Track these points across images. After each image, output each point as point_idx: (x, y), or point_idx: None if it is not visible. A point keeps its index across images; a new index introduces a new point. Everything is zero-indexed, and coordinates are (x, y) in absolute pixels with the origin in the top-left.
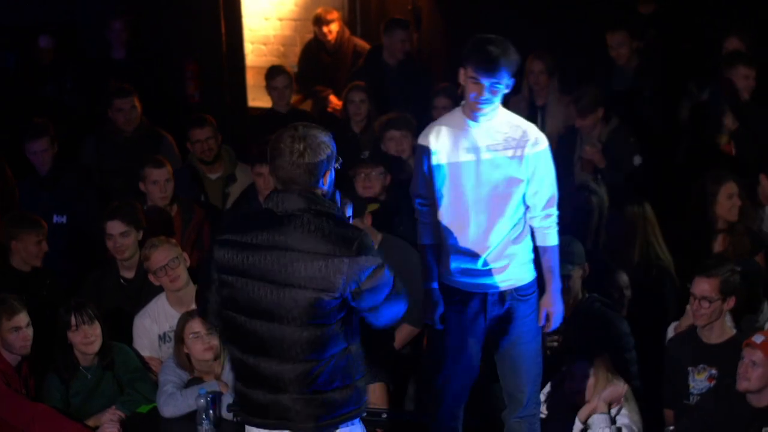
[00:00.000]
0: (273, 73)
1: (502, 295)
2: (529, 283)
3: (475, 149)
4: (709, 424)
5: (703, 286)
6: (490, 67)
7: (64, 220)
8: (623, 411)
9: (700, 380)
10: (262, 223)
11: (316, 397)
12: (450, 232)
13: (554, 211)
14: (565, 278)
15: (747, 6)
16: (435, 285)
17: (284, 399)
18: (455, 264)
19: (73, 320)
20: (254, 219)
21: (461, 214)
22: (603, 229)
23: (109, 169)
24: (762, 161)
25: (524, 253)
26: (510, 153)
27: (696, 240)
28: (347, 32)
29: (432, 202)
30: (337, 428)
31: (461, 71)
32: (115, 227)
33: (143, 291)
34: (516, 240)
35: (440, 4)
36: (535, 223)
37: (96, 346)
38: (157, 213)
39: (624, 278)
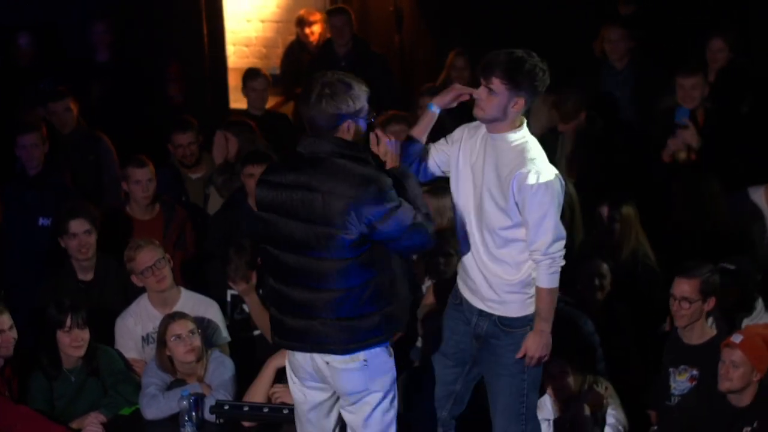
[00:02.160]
0: (252, 75)
1: (486, 316)
2: (515, 317)
3: (480, 164)
4: (691, 424)
5: (683, 287)
6: (482, 66)
7: (48, 222)
8: (609, 409)
9: (681, 381)
10: (292, 164)
11: (342, 323)
12: (457, 236)
13: (545, 253)
14: None
15: (730, 6)
16: None
17: (315, 324)
18: (460, 269)
19: (68, 321)
20: (287, 161)
21: (463, 222)
22: (577, 227)
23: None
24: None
25: (516, 285)
26: (504, 182)
27: (674, 240)
28: (329, 34)
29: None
30: (363, 351)
31: None
32: (79, 226)
33: (103, 293)
34: (510, 270)
35: (422, 6)
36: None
37: (82, 351)
38: (126, 219)
39: (604, 266)
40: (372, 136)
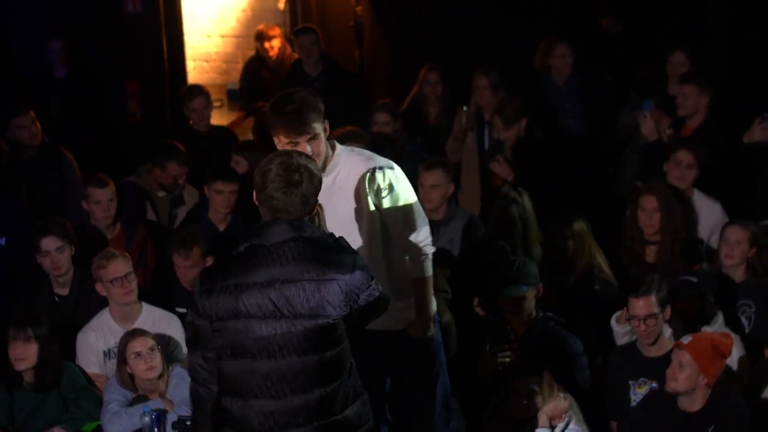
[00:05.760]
0: (190, 94)
1: (396, 333)
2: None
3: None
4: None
5: (645, 306)
6: (296, 126)
7: (2, 242)
8: (572, 425)
9: (641, 393)
10: (254, 260)
11: (333, 422)
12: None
13: (411, 242)
14: (520, 299)
15: (691, 19)
16: None
17: None
18: None
19: (11, 333)
20: (244, 258)
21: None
22: (532, 241)
23: (15, 189)
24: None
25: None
26: (355, 196)
27: (629, 252)
28: (289, 48)
29: None
30: None
31: (276, 140)
32: (50, 243)
33: (79, 307)
34: (400, 279)
35: (382, 20)
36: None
37: (27, 364)
38: (96, 230)
39: None
40: None
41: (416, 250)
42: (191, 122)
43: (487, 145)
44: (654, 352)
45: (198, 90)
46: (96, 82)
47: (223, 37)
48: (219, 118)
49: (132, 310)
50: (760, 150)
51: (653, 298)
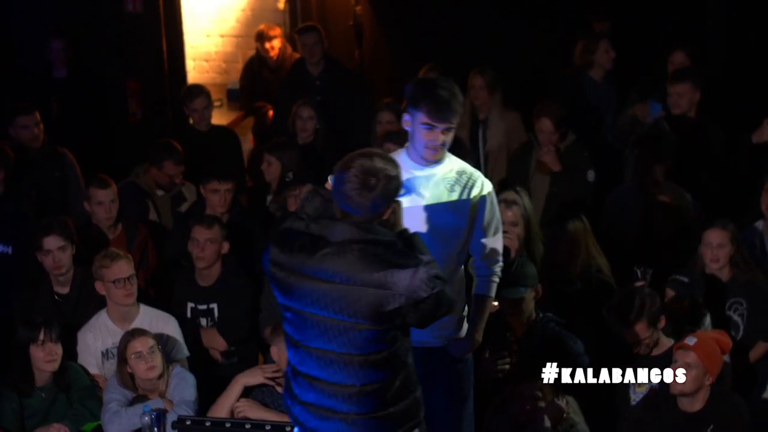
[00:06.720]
0: (190, 94)
1: (434, 351)
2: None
3: (417, 196)
4: None
5: (638, 332)
6: (443, 111)
7: (9, 250)
8: (572, 425)
9: (640, 393)
10: (312, 249)
11: (377, 415)
12: None
13: (492, 262)
14: (518, 301)
15: (691, 19)
16: None
17: (343, 421)
18: None
19: (41, 335)
20: (309, 250)
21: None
22: (534, 241)
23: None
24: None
25: (461, 306)
26: (453, 201)
27: (642, 252)
28: (289, 48)
29: None
30: None
31: (407, 117)
32: (53, 242)
33: (79, 306)
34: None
35: (382, 20)
36: (473, 271)
37: (56, 365)
38: (98, 230)
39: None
40: None
41: (489, 266)
42: (191, 122)
43: (480, 145)
44: (653, 351)
45: (198, 90)
46: (96, 82)
47: (222, 36)
48: (219, 117)
49: (130, 310)
50: (767, 150)
51: (645, 322)
